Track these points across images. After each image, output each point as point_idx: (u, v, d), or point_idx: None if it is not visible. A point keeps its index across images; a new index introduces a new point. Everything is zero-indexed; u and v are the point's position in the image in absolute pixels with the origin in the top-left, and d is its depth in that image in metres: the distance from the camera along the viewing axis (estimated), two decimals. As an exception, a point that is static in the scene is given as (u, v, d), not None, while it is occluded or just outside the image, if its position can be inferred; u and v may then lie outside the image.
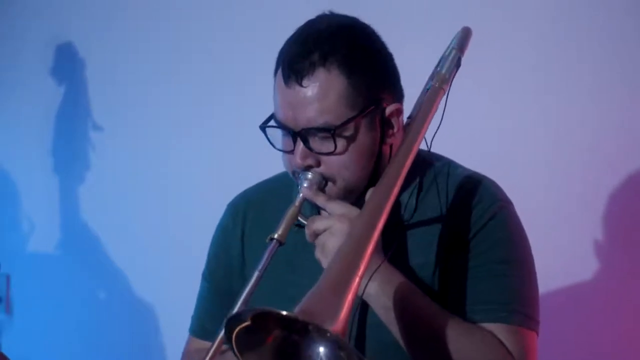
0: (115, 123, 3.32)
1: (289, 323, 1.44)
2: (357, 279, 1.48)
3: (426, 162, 1.86)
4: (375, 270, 1.66)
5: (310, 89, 1.70)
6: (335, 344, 1.44)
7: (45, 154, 3.39)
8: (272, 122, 1.77)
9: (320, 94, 1.70)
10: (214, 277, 1.97)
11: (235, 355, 1.46)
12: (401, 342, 1.70)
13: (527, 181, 2.69)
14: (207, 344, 1.82)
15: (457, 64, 1.85)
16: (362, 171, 1.75)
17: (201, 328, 1.96)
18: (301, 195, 1.73)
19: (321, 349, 1.46)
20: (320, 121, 1.71)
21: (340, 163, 1.73)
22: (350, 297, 1.44)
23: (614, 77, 2.69)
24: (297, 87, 1.71)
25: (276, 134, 1.78)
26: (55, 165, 3.39)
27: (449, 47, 1.88)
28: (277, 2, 3.06)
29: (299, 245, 1.79)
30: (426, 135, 1.79)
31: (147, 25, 3.28)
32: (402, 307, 1.67)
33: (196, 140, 3.19)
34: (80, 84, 3.37)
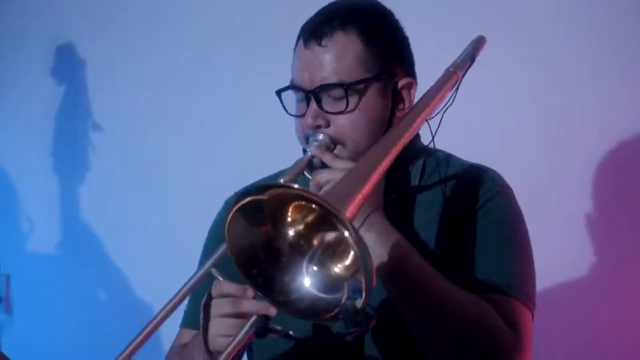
0: (115, 123, 3.32)
1: (299, 210, 1.45)
2: (360, 195, 1.48)
3: (429, 152, 1.90)
4: (370, 214, 1.67)
5: (328, 48, 1.77)
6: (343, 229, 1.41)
7: (45, 154, 3.39)
8: (288, 87, 1.81)
9: (338, 54, 1.77)
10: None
11: (225, 222, 1.46)
12: (394, 299, 1.70)
13: (526, 180, 2.69)
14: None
15: (472, 59, 1.91)
16: (370, 136, 1.78)
17: (196, 319, 1.87)
18: (309, 152, 1.75)
19: (318, 247, 1.47)
20: (334, 79, 1.76)
21: (351, 123, 1.77)
22: (357, 200, 1.45)
23: (614, 77, 2.69)
24: (316, 48, 1.77)
25: (290, 103, 1.82)
26: (55, 165, 3.39)
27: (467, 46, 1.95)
28: (277, 3, 3.06)
29: None
30: (432, 128, 1.83)
31: (147, 25, 3.28)
32: (397, 260, 1.68)
33: (196, 140, 3.19)
34: (80, 84, 3.37)
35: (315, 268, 1.49)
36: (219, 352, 1.62)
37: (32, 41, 3.44)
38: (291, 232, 1.49)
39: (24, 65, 3.45)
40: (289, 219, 1.48)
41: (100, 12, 3.34)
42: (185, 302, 1.86)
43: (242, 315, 1.62)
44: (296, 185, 1.44)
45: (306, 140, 1.79)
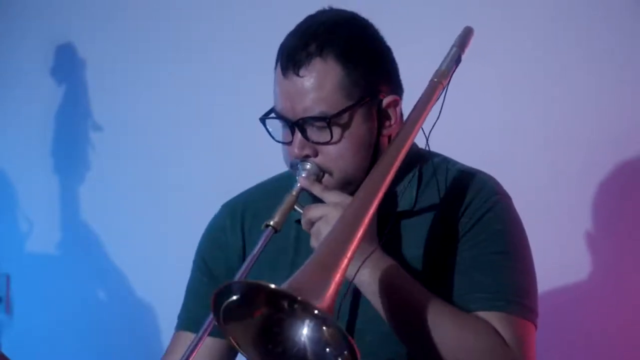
0: (115, 123, 3.32)
1: (277, 298, 1.46)
2: (345, 260, 1.49)
3: (425, 158, 1.87)
4: (368, 257, 1.67)
5: (307, 78, 1.74)
6: (321, 321, 1.45)
7: (45, 154, 3.39)
8: (271, 115, 1.79)
9: (317, 83, 1.73)
10: (214, 274, 1.95)
11: (221, 327, 1.47)
12: (393, 330, 1.70)
13: (525, 180, 2.69)
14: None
15: (457, 61, 1.86)
16: (358, 162, 1.77)
17: (195, 322, 1.89)
18: (299, 185, 1.75)
19: (305, 328, 1.47)
20: (316, 110, 1.73)
21: (337, 153, 1.75)
22: (338, 277, 1.46)
23: (615, 76, 2.69)
24: (295, 78, 1.74)
25: (276, 127, 1.80)
26: (55, 166, 3.39)
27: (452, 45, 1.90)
28: (277, 3, 3.06)
29: (301, 242, 1.80)
30: (425, 130, 1.80)
31: (147, 25, 3.28)
32: (393, 293, 1.67)
33: (196, 140, 3.19)
34: (80, 84, 3.37)
35: (310, 331, 1.49)
36: None
37: (32, 41, 3.43)
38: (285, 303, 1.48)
39: (24, 65, 3.45)
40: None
41: (100, 12, 3.34)
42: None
43: None
44: (272, 286, 1.42)
45: (293, 167, 1.79)
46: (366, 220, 1.56)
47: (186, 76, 3.21)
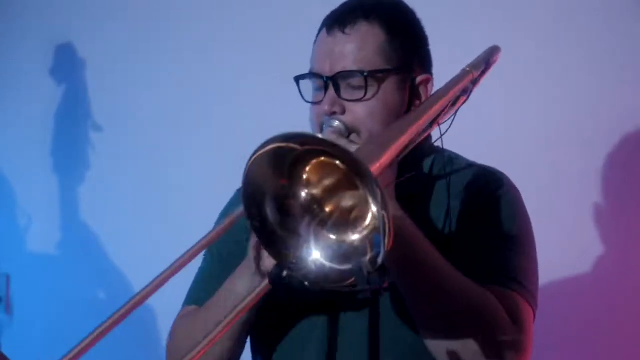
0: (115, 123, 3.32)
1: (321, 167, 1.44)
2: (404, 137, 1.50)
3: (437, 151, 1.90)
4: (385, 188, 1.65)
5: (351, 37, 1.79)
6: (367, 188, 1.39)
7: (45, 154, 3.39)
8: (307, 75, 1.82)
9: (360, 42, 1.79)
10: (222, 252, 1.94)
11: (251, 157, 1.47)
12: (402, 282, 1.67)
13: (526, 180, 2.68)
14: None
15: (487, 64, 1.94)
16: (385, 127, 1.77)
17: (203, 299, 1.89)
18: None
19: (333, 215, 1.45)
20: (355, 67, 1.77)
21: (367, 112, 1.78)
22: (393, 149, 1.46)
23: (616, 77, 2.69)
24: (339, 35, 1.79)
25: (307, 92, 1.83)
26: (55, 166, 3.39)
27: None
28: (277, 4, 3.06)
29: None
30: (440, 128, 1.84)
31: (147, 25, 3.28)
32: (412, 248, 1.64)
33: (196, 139, 3.19)
34: (80, 84, 3.37)
35: (326, 234, 1.47)
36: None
37: (32, 41, 3.43)
38: (304, 194, 1.47)
39: (24, 65, 3.45)
40: (308, 179, 1.47)
41: (100, 12, 3.34)
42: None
43: None
44: (327, 138, 1.43)
45: (320, 128, 1.79)
46: (400, 141, 1.56)
47: (186, 76, 3.21)
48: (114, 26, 3.32)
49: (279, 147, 1.43)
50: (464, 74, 1.85)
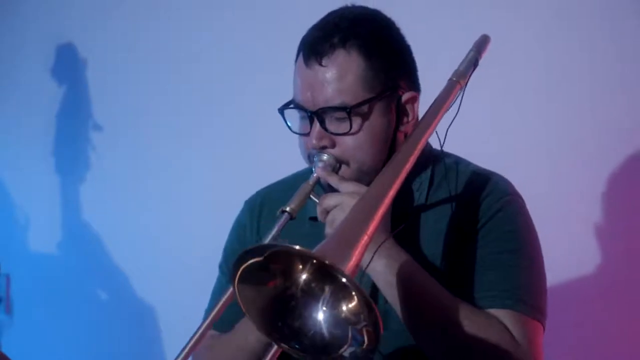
0: (116, 123, 3.32)
1: (295, 266, 1.44)
2: (365, 237, 1.46)
3: (437, 158, 1.88)
4: (380, 245, 1.67)
5: (330, 68, 1.75)
6: (342, 291, 1.41)
7: (45, 154, 3.39)
8: (291, 106, 1.80)
9: (339, 74, 1.75)
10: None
11: (233, 287, 1.45)
12: (405, 323, 1.69)
13: (526, 180, 2.68)
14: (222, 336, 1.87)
15: (475, 64, 1.88)
16: (375, 154, 1.77)
17: (220, 321, 1.86)
18: (315, 174, 1.75)
19: (324, 302, 1.45)
20: (337, 101, 1.75)
21: (355, 144, 1.76)
22: (358, 251, 1.43)
23: (618, 77, 2.69)
24: (317, 67, 1.76)
25: (294, 119, 1.81)
26: (56, 166, 3.39)
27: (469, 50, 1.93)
28: (278, 4, 3.06)
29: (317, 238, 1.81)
30: (439, 130, 1.81)
31: (147, 25, 3.28)
32: (407, 284, 1.67)
33: (196, 139, 3.19)
34: (81, 84, 3.37)
35: (327, 309, 1.47)
36: None
37: (32, 41, 3.44)
38: (301, 279, 1.46)
39: (24, 65, 3.45)
40: (298, 267, 1.46)
41: (100, 12, 3.34)
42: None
43: None
44: (297, 247, 1.41)
45: (310, 159, 1.79)
46: (384, 204, 1.55)
47: (186, 76, 3.21)
48: (115, 26, 3.32)
49: (249, 265, 1.43)
50: (451, 85, 1.82)
